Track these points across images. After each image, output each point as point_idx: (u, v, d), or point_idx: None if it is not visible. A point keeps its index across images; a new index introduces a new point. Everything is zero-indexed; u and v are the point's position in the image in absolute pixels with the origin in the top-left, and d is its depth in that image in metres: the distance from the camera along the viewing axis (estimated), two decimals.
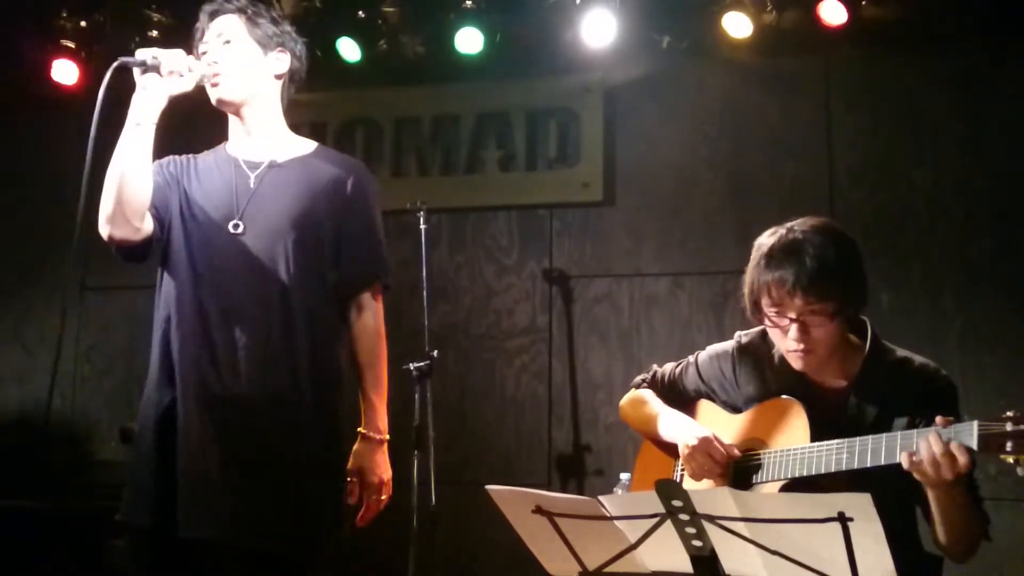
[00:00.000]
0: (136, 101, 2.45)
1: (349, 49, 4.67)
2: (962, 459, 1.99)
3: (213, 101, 2.64)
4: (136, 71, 2.44)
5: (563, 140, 4.69)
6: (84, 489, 3.89)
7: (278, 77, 2.72)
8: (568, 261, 4.64)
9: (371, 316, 2.69)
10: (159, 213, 2.58)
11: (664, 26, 4.47)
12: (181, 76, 2.46)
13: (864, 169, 4.34)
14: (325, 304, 2.62)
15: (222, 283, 2.55)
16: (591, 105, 4.65)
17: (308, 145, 2.77)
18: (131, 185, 2.45)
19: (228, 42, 2.64)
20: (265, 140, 2.69)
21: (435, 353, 3.87)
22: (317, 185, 2.64)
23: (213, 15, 2.68)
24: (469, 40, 4.52)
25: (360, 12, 4.65)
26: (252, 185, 2.62)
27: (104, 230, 2.48)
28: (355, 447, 2.64)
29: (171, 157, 2.71)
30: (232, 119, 2.71)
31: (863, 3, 4.22)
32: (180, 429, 2.48)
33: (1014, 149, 4.15)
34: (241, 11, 2.67)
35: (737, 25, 4.32)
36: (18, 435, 4.92)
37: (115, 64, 2.39)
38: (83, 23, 4.73)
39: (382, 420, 2.66)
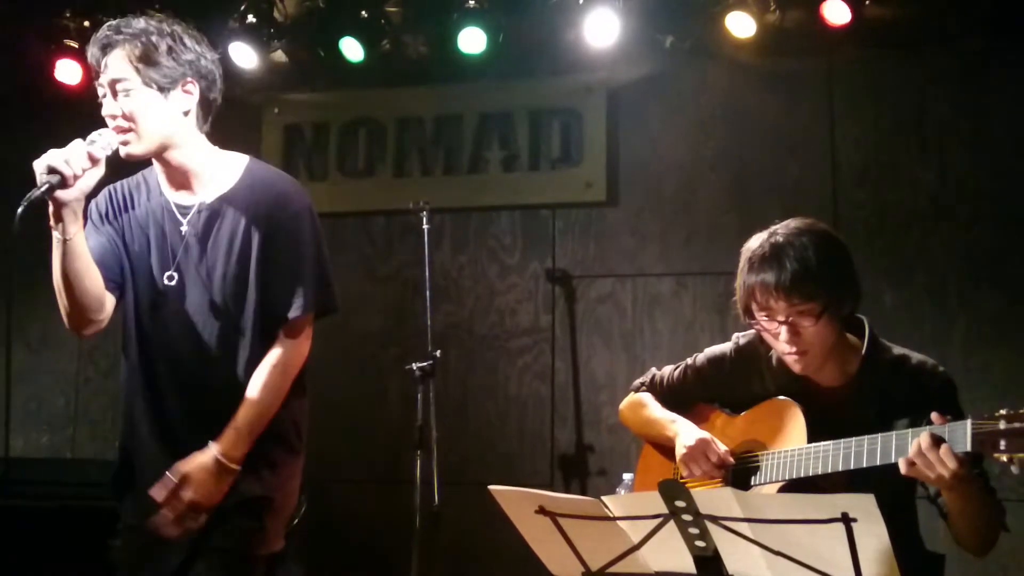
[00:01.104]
0: (55, 219, 2.32)
1: (352, 49, 4.66)
2: (952, 460, 1.98)
3: (123, 156, 2.44)
4: (45, 197, 2.28)
5: (566, 140, 4.68)
6: (86, 489, 3.89)
7: (187, 113, 2.51)
8: (571, 261, 4.63)
9: (279, 353, 2.50)
10: (114, 283, 2.52)
11: (667, 26, 4.47)
12: (86, 171, 2.29)
13: (867, 169, 4.34)
14: (262, 350, 2.51)
15: (166, 340, 2.51)
16: (594, 105, 4.65)
17: (236, 169, 2.59)
18: (80, 294, 2.40)
19: (124, 93, 2.42)
20: (192, 179, 2.54)
21: (438, 353, 3.89)
22: (243, 225, 2.51)
23: (105, 49, 2.44)
24: (472, 40, 4.52)
25: (363, 12, 4.64)
26: (183, 234, 2.52)
27: (72, 328, 2.44)
28: (199, 454, 2.40)
29: (105, 196, 2.59)
30: (154, 163, 2.56)
31: (866, 3, 4.22)
32: (137, 469, 2.52)
33: (1017, 148, 4.14)
34: (132, 43, 2.42)
35: (740, 25, 4.32)
36: (20, 434, 4.92)
37: (22, 207, 2.24)
38: (86, 23, 4.71)
39: (235, 447, 2.41)
